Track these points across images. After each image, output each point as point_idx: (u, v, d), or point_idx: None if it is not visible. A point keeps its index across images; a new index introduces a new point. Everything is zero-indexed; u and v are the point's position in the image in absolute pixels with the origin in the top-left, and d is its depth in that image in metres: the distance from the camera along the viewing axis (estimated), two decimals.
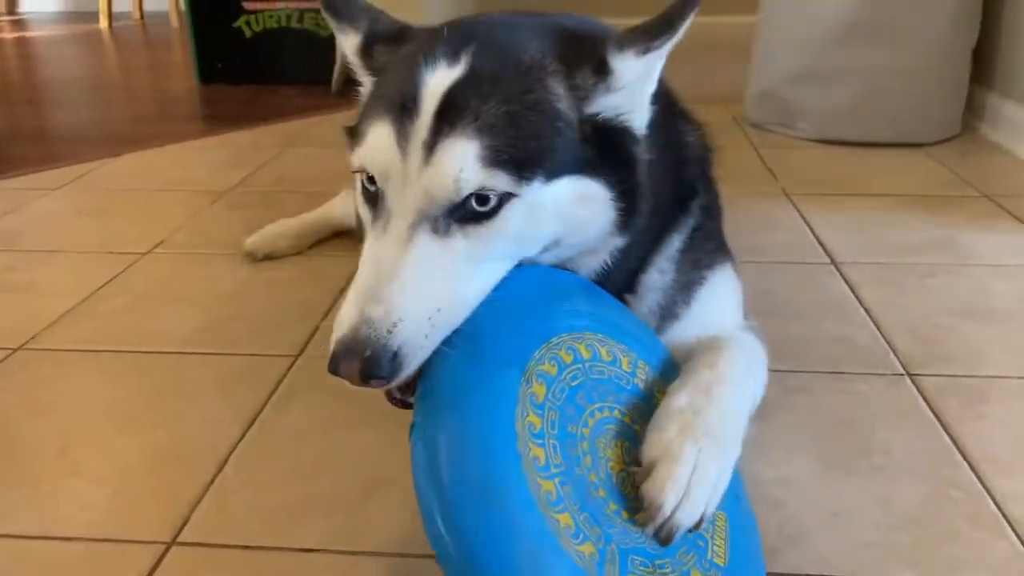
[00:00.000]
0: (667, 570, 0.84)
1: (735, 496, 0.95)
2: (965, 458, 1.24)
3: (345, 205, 2.08)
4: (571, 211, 0.91)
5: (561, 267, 1.00)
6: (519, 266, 0.93)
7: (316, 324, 1.67)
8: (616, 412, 0.92)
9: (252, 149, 2.94)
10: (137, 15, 6.47)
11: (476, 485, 0.76)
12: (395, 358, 0.81)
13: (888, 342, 1.57)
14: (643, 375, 0.98)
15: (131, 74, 4.78)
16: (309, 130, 3.19)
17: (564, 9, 1.10)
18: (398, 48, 1.00)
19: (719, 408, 0.94)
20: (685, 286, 1.13)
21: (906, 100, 2.75)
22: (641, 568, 0.82)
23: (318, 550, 1.09)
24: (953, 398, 1.38)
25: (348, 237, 2.07)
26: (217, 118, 3.49)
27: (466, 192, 0.85)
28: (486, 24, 0.97)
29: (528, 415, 0.82)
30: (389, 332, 0.81)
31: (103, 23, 6.12)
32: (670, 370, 1.03)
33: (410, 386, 0.87)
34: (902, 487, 1.18)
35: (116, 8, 6.22)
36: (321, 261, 1.99)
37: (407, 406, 0.88)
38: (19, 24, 6.47)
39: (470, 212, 0.86)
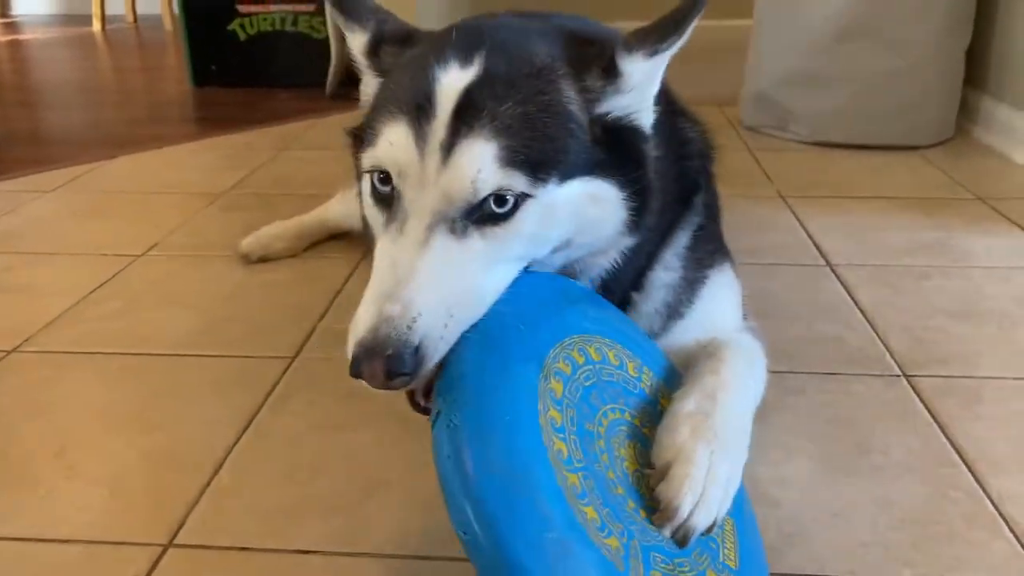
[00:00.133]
0: (686, 569, 0.84)
1: (741, 501, 0.95)
2: (962, 458, 1.24)
3: (341, 207, 2.08)
4: (584, 211, 0.92)
5: (572, 268, 1.01)
6: (527, 271, 0.93)
7: (313, 326, 1.67)
8: (627, 414, 0.92)
9: (247, 151, 2.94)
10: (130, 18, 6.46)
11: (504, 474, 0.75)
12: (417, 352, 0.81)
13: (884, 343, 1.57)
14: (648, 381, 0.98)
15: (125, 77, 4.77)
16: (304, 133, 3.18)
17: (558, 10, 1.10)
18: (405, 50, 1.00)
19: (726, 412, 0.95)
20: (690, 284, 1.13)
21: (900, 103, 2.76)
22: (663, 565, 0.82)
23: (315, 551, 1.09)
24: (950, 399, 1.39)
25: (344, 239, 2.07)
26: (211, 121, 3.48)
27: (484, 193, 0.85)
28: (495, 27, 0.97)
29: (549, 410, 0.82)
30: (409, 328, 0.81)
31: (96, 26, 6.10)
32: (671, 377, 1.03)
33: (431, 392, 0.86)
34: (900, 487, 1.18)
35: (109, 11, 6.20)
36: (317, 263, 1.99)
37: (426, 411, 0.87)
38: (12, 27, 6.45)
39: (487, 213, 0.86)
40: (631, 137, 0.95)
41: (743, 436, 0.97)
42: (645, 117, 0.96)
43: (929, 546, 1.07)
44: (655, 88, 0.96)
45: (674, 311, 1.13)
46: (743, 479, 0.96)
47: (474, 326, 0.86)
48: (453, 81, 0.88)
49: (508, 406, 0.80)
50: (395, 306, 0.82)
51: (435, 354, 0.83)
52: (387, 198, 0.90)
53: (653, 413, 0.95)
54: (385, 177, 0.90)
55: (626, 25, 1.02)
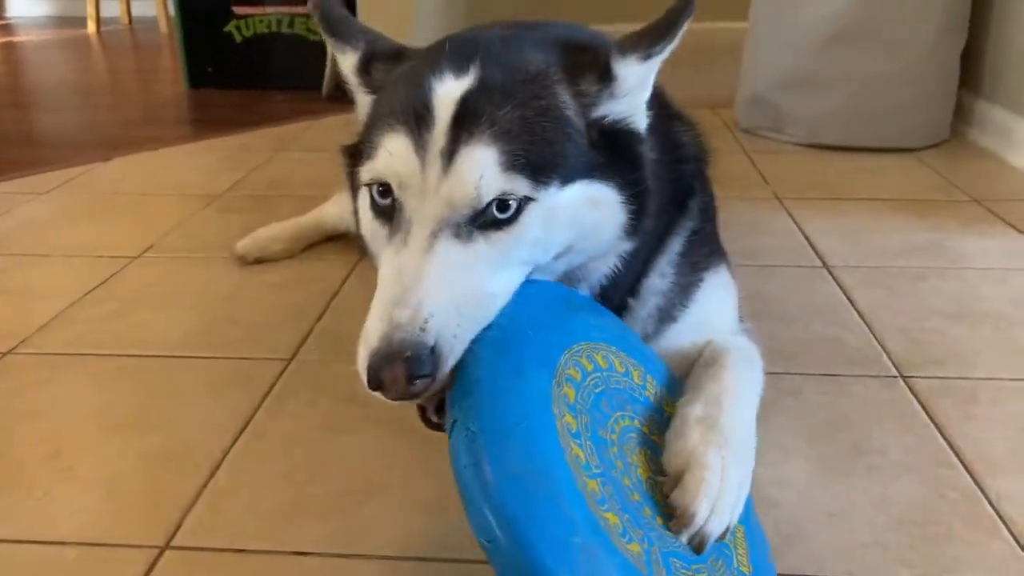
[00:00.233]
0: (704, 575, 0.84)
1: (749, 508, 0.95)
2: (960, 459, 1.24)
3: (337, 209, 2.08)
4: (585, 215, 0.92)
5: (573, 274, 1.01)
6: (529, 281, 0.93)
7: (310, 327, 1.67)
8: (636, 421, 0.92)
9: (243, 153, 2.93)
10: (125, 20, 6.45)
11: (525, 479, 0.75)
12: (434, 351, 0.81)
13: (881, 344, 1.57)
14: (652, 389, 0.99)
15: (120, 79, 4.76)
16: (301, 134, 3.18)
17: (551, 18, 1.11)
18: (396, 66, 1.01)
19: (733, 417, 0.95)
20: (684, 288, 1.13)
21: (895, 105, 2.77)
22: (683, 571, 0.82)
23: (313, 553, 1.09)
24: (947, 400, 1.39)
25: (341, 241, 2.07)
26: (207, 122, 3.48)
27: (487, 199, 0.85)
28: (488, 37, 0.98)
29: (565, 415, 0.81)
30: (422, 329, 0.81)
31: (91, 28, 6.09)
32: (673, 386, 1.04)
33: (444, 408, 0.85)
34: (898, 488, 1.18)
35: (104, 13, 6.20)
36: (314, 265, 1.99)
37: (442, 429, 0.87)
38: (6, 28, 6.44)
39: (491, 218, 0.86)
40: (627, 140, 0.95)
41: (750, 440, 0.97)
42: (640, 120, 0.97)
43: (927, 546, 1.07)
44: (648, 92, 0.97)
45: (667, 315, 1.13)
46: (754, 475, 0.96)
47: (485, 331, 0.85)
48: (450, 90, 0.88)
49: (525, 411, 0.79)
50: (405, 311, 0.81)
51: (451, 354, 0.82)
52: (387, 210, 0.90)
53: (659, 421, 0.95)
54: (385, 189, 0.89)
55: (620, 28, 1.03)
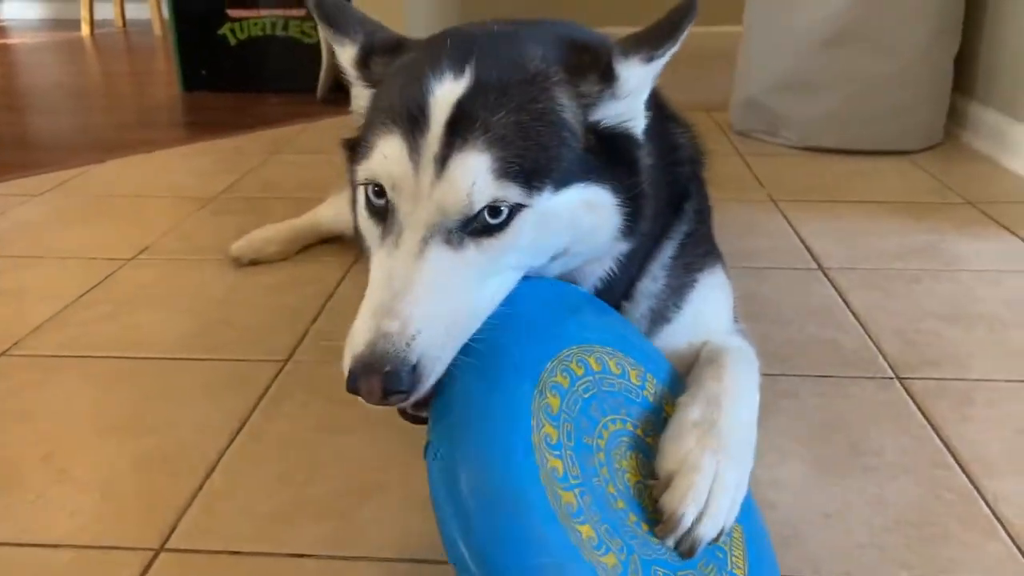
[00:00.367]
0: None
1: (749, 507, 0.94)
2: (956, 460, 1.24)
3: (332, 211, 2.07)
4: (580, 219, 0.91)
5: (568, 276, 1.00)
6: (526, 279, 0.93)
7: (305, 329, 1.66)
8: (629, 424, 0.91)
9: (238, 156, 2.92)
10: (119, 23, 6.43)
11: (495, 501, 0.75)
12: (415, 370, 0.80)
13: (877, 346, 1.57)
14: (652, 388, 0.98)
15: (114, 81, 4.75)
16: (295, 137, 3.18)
17: (546, 17, 1.10)
18: (395, 59, 0.99)
19: (731, 420, 0.94)
20: (677, 290, 1.13)
21: (890, 108, 2.77)
22: None
23: (309, 555, 1.08)
24: (942, 401, 1.39)
25: (336, 243, 2.06)
26: (202, 125, 3.47)
27: (479, 206, 0.85)
28: (488, 34, 0.97)
29: (544, 427, 0.81)
30: (407, 345, 0.80)
31: (85, 30, 6.07)
32: (675, 384, 1.02)
33: (423, 400, 0.85)
34: (894, 489, 1.18)
35: (98, 15, 6.17)
36: (309, 267, 1.98)
37: (420, 421, 0.87)
38: (0, 31, 6.42)
39: (482, 224, 0.86)
40: (625, 144, 0.95)
41: (749, 442, 0.97)
42: (638, 123, 0.96)
43: (924, 547, 1.07)
44: (647, 94, 0.96)
45: (660, 316, 1.12)
46: (752, 477, 0.96)
47: (468, 344, 0.85)
48: (446, 92, 0.87)
49: (498, 430, 0.79)
50: (394, 322, 0.81)
51: (432, 372, 0.82)
52: (381, 211, 0.90)
53: (656, 421, 0.95)
54: (380, 190, 0.89)
55: (616, 31, 1.02)
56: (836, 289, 1.81)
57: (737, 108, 3.10)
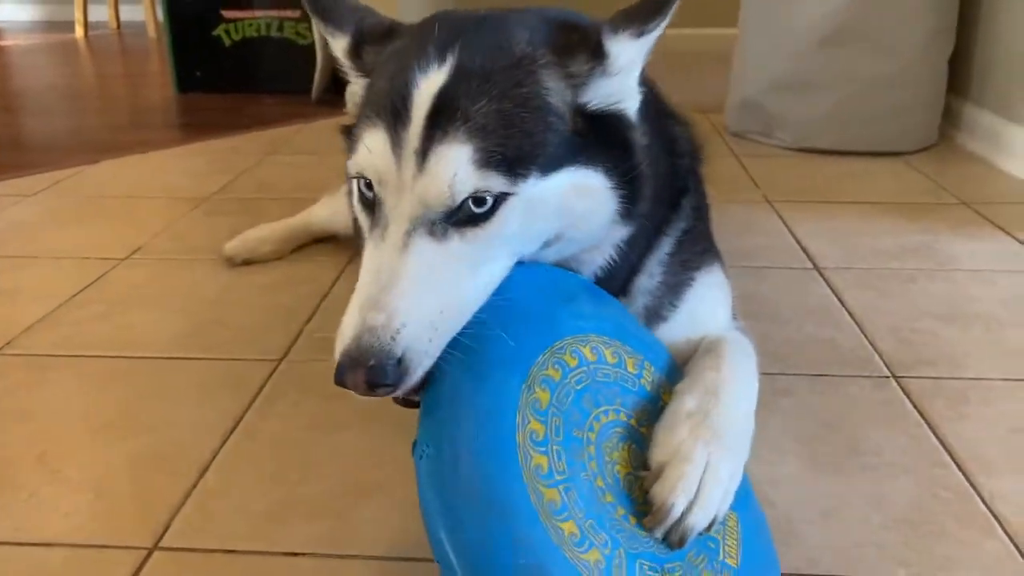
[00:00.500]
0: (677, 573, 0.82)
1: (745, 496, 0.94)
2: (953, 458, 1.24)
3: (326, 211, 2.07)
4: (571, 204, 0.90)
5: (565, 264, 0.99)
6: (523, 266, 0.92)
7: (300, 328, 1.65)
8: (622, 415, 0.90)
9: (232, 156, 2.92)
10: (113, 24, 6.42)
11: (478, 502, 0.75)
12: (400, 364, 0.80)
13: (873, 345, 1.57)
14: (649, 377, 0.96)
15: (108, 83, 4.74)
16: (290, 138, 3.17)
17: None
18: (386, 46, 0.99)
19: (727, 410, 0.94)
20: (673, 288, 1.12)
21: (885, 109, 2.77)
22: (650, 572, 0.80)
23: (304, 554, 1.07)
24: (939, 400, 1.39)
25: (330, 243, 2.06)
26: (196, 126, 3.46)
27: (461, 197, 0.84)
28: (475, 18, 0.96)
29: (530, 423, 0.80)
30: (392, 339, 0.80)
31: (79, 32, 6.06)
32: (675, 372, 1.01)
33: (414, 388, 0.85)
34: (892, 487, 1.18)
35: (92, 17, 6.16)
36: (304, 266, 1.97)
37: (412, 405, 0.87)
38: None
39: (467, 215, 0.85)
40: (618, 124, 0.93)
41: (746, 432, 0.96)
42: (630, 103, 0.95)
43: (922, 545, 1.07)
44: (638, 72, 0.95)
45: (655, 314, 1.11)
46: (748, 474, 0.95)
47: (458, 336, 0.84)
48: (428, 82, 0.87)
49: (483, 429, 0.79)
50: (379, 315, 0.81)
51: (419, 366, 0.82)
52: (371, 203, 0.89)
53: (653, 411, 0.94)
54: (368, 182, 0.89)
55: None
56: (832, 289, 1.81)
57: (732, 110, 3.10)
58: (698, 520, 0.84)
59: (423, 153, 0.84)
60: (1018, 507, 1.14)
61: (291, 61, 3.88)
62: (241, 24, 3.92)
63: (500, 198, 0.85)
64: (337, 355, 0.82)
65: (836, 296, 1.78)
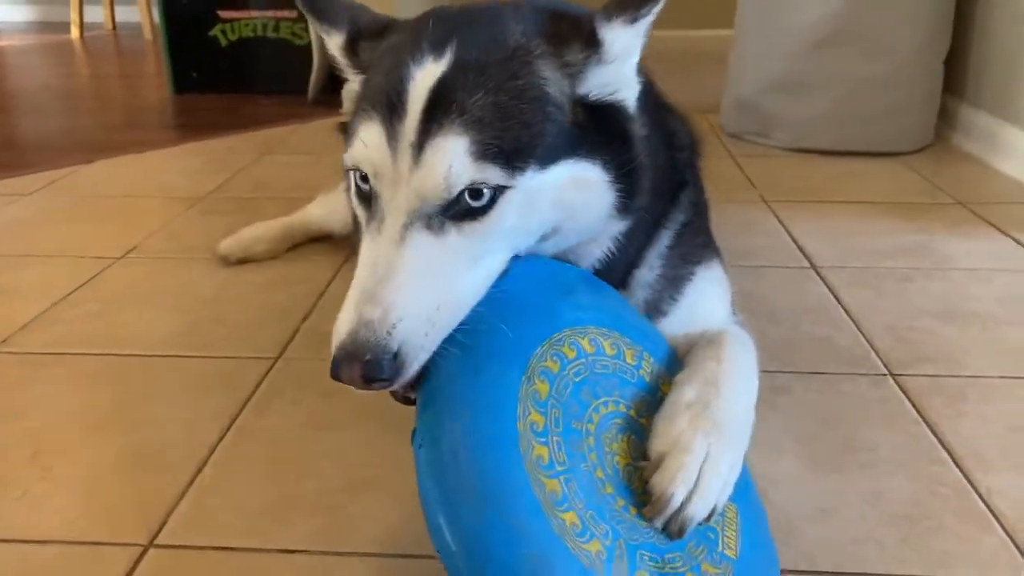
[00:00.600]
0: (677, 564, 0.82)
1: (745, 487, 0.94)
2: (950, 455, 1.24)
3: (322, 210, 2.06)
4: (569, 196, 0.90)
5: (563, 257, 0.99)
6: (520, 258, 0.92)
7: (296, 327, 1.65)
8: (622, 406, 0.90)
9: (228, 156, 2.91)
10: (109, 26, 6.41)
11: (478, 492, 0.74)
12: (396, 358, 0.80)
13: (870, 343, 1.57)
14: (648, 368, 0.96)
15: (103, 84, 4.73)
16: (287, 137, 3.16)
17: None
18: (381, 42, 0.99)
19: (727, 400, 0.94)
20: (673, 282, 1.12)
21: (881, 110, 2.78)
22: (651, 563, 0.80)
23: (301, 551, 1.07)
24: (936, 397, 1.39)
25: (326, 242, 2.05)
26: (192, 126, 3.45)
27: (457, 190, 0.84)
28: (469, 12, 0.96)
29: (530, 414, 0.80)
30: (388, 333, 0.80)
31: (74, 33, 6.05)
32: (674, 363, 1.01)
33: (410, 383, 0.85)
34: (889, 484, 1.18)
35: (88, 18, 6.15)
36: (300, 265, 1.97)
37: (410, 402, 0.87)
38: None
39: (464, 208, 0.85)
40: (616, 115, 0.93)
41: (746, 424, 0.96)
42: (628, 92, 0.94)
43: (920, 541, 1.07)
44: (635, 60, 0.94)
45: (655, 308, 1.11)
46: (749, 466, 0.95)
47: (456, 330, 0.84)
48: (424, 75, 0.86)
49: (483, 419, 0.79)
50: (376, 310, 0.80)
51: (415, 360, 0.82)
52: (367, 197, 0.89)
53: (652, 401, 0.93)
54: (365, 176, 0.89)
55: None
56: (829, 287, 1.81)
57: (729, 110, 3.11)
58: (697, 510, 0.83)
59: (419, 146, 0.84)
60: (1015, 503, 1.14)
61: (287, 61, 3.87)
62: (237, 24, 3.91)
63: (498, 191, 0.85)
64: (333, 349, 0.82)
65: (833, 295, 1.78)
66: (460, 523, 0.74)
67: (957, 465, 1.22)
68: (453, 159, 0.83)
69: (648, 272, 1.09)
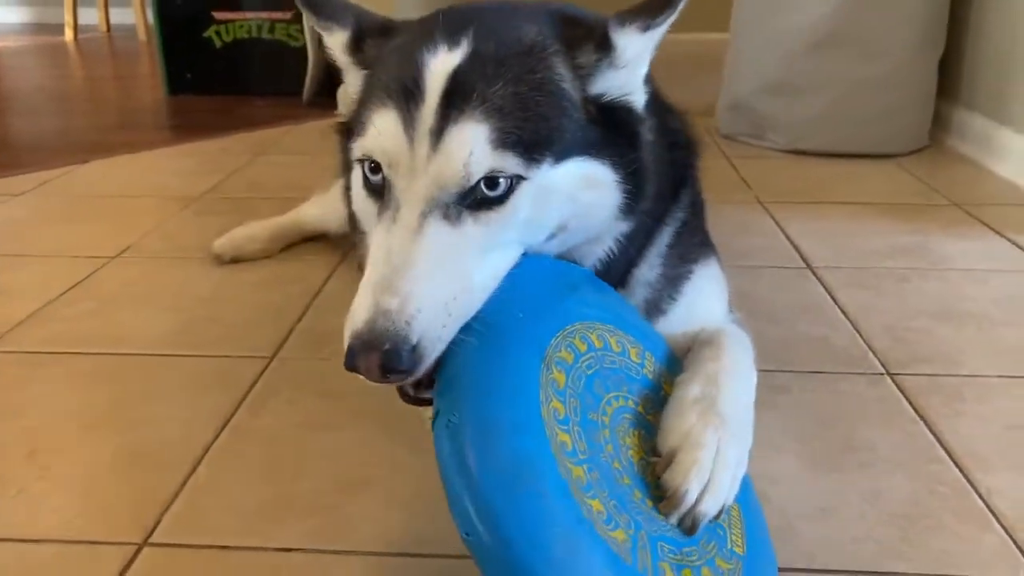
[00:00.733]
0: (693, 558, 0.82)
1: (745, 488, 0.94)
2: (949, 454, 1.24)
3: (317, 209, 2.06)
4: (579, 194, 0.90)
5: (566, 256, 0.99)
6: (525, 257, 0.91)
7: (291, 326, 1.64)
8: (630, 402, 0.90)
9: (222, 157, 2.90)
10: (103, 28, 6.39)
11: (507, 471, 0.73)
12: (415, 350, 0.78)
13: (867, 343, 1.57)
14: (651, 367, 0.97)
15: (97, 85, 4.71)
16: (281, 138, 3.16)
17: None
18: (388, 40, 0.98)
19: (730, 397, 0.94)
20: (672, 280, 1.12)
21: (876, 112, 2.78)
22: (671, 555, 0.80)
23: (296, 549, 1.06)
24: (934, 397, 1.39)
25: (321, 242, 2.05)
26: (186, 127, 3.44)
27: (476, 177, 0.83)
28: (481, 9, 0.96)
29: (551, 400, 0.80)
30: (407, 323, 0.78)
31: (68, 35, 6.03)
32: (673, 363, 1.02)
33: (424, 381, 0.84)
34: (888, 483, 1.18)
35: (82, 20, 6.14)
36: (294, 265, 1.96)
37: (421, 402, 0.86)
38: None
39: (481, 197, 0.84)
40: (625, 117, 0.94)
41: (748, 420, 0.96)
42: (638, 97, 0.95)
43: (920, 540, 1.07)
44: (646, 67, 0.95)
45: (655, 307, 1.12)
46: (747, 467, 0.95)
47: (474, 316, 0.83)
48: (441, 64, 0.86)
49: (508, 401, 0.78)
50: (393, 299, 0.79)
51: (432, 352, 0.80)
52: (378, 188, 0.88)
53: (656, 400, 0.94)
54: (376, 167, 0.88)
55: None
56: (825, 288, 1.81)
57: (724, 112, 3.11)
58: (709, 507, 0.84)
59: (438, 132, 0.84)
60: (1015, 502, 1.13)
61: (282, 63, 3.87)
62: (232, 26, 3.91)
63: (515, 182, 0.85)
64: (347, 338, 0.80)
65: (830, 295, 1.77)
66: (488, 503, 0.72)
67: (956, 464, 1.22)
68: (474, 146, 0.83)
69: (649, 271, 1.09)
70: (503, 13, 0.95)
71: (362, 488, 1.17)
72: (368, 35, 1.00)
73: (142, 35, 5.93)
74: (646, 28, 0.91)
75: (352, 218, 1.02)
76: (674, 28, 0.94)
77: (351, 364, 0.79)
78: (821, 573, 1.02)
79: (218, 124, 3.37)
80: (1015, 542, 1.06)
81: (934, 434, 1.29)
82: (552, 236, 0.92)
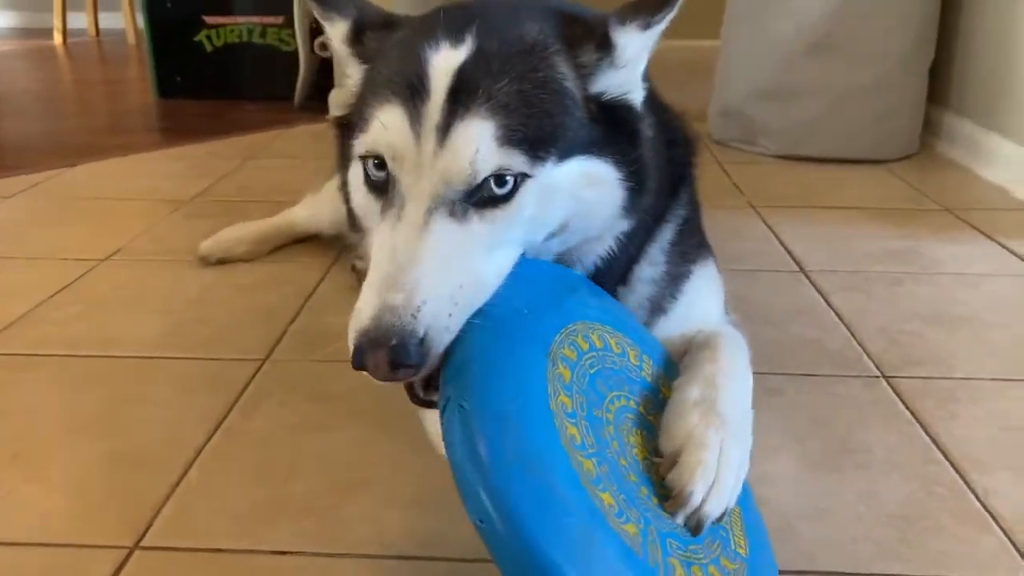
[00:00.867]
0: (700, 556, 0.82)
1: (745, 490, 0.93)
2: (945, 456, 1.24)
3: (307, 211, 2.04)
4: (582, 192, 0.90)
5: (567, 255, 0.98)
6: (523, 259, 0.91)
7: (283, 328, 1.63)
8: (632, 402, 0.90)
9: (213, 160, 2.88)
10: (92, 32, 6.36)
11: (520, 459, 0.73)
12: (422, 343, 0.78)
13: (861, 346, 1.57)
14: (649, 369, 0.97)
15: (86, 89, 4.68)
16: (271, 142, 3.14)
17: None
18: (390, 33, 0.98)
19: (730, 399, 0.94)
20: (675, 279, 1.12)
21: (867, 118, 2.79)
22: (679, 552, 0.80)
23: (290, 552, 1.05)
24: (929, 399, 1.39)
25: (312, 244, 2.03)
26: (176, 131, 3.42)
27: (483, 174, 0.83)
28: (483, 7, 0.96)
29: (560, 394, 0.79)
30: (413, 317, 0.78)
31: (57, 39, 5.99)
32: (670, 367, 1.02)
33: (432, 384, 0.83)
34: (885, 484, 1.17)
35: (71, 25, 6.10)
36: (286, 267, 1.95)
37: (430, 405, 0.85)
38: None
39: (487, 195, 0.84)
40: (626, 115, 0.94)
41: (747, 421, 0.96)
42: (637, 95, 0.95)
43: (918, 541, 1.06)
44: (644, 64, 0.95)
45: (657, 306, 1.11)
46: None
47: (479, 312, 0.83)
48: (446, 61, 0.86)
49: (519, 390, 0.77)
50: (398, 294, 0.78)
51: (440, 344, 0.80)
52: (381, 184, 0.88)
53: (656, 401, 0.94)
54: (379, 163, 0.87)
55: None
56: (819, 291, 1.81)
57: (715, 117, 3.11)
58: (714, 508, 0.83)
59: (445, 129, 0.83)
60: (1012, 503, 1.13)
61: (273, 67, 3.85)
62: (223, 30, 3.89)
63: (520, 180, 0.84)
64: (353, 337, 0.79)
65: (824, 299, 1.77)
66: (501, 488, 0.71)
67: (952, 466, 1.21)
68: (481, 143, 0.82)
69: (651, 268, 1.08)
70: (504, 11, 0.95)
71: (356, 490, 1.16)
72: (369, 27, 0.99)
73: (131, 39, 5.90)
74: (646, 26, 0.91)
75: (351, 215, 1.01)
76: (666, 34, 0.94)
77: (359, 363, 0.78)
78: (821, 574, 1.02)
79: (208, 128, 3.35)
80: (1014, 544, 1.06)
81: (930, 436, 1.29)
82: (553, 235, 0.92)
